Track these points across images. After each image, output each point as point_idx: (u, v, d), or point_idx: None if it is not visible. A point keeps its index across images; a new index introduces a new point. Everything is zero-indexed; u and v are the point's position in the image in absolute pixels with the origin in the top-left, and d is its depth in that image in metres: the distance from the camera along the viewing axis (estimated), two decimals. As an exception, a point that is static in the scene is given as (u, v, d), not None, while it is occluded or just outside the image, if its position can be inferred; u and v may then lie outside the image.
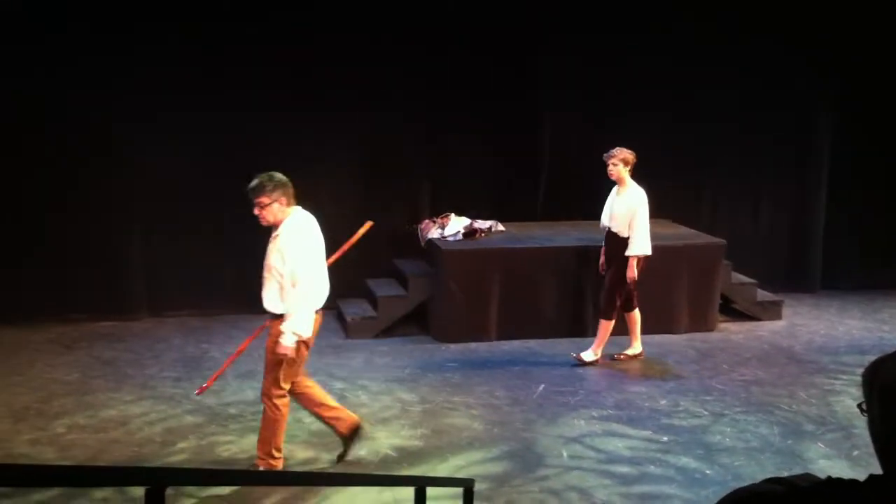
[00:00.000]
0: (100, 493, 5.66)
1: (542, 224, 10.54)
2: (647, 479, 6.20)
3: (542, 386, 7.97)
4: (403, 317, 9.53)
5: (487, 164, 10.56)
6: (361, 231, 7.18)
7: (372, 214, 10.22)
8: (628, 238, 8.26)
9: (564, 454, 6.56)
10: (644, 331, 8.88)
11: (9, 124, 9.08)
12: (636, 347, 8.74)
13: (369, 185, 10.27)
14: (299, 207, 5.97)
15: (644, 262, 8.34)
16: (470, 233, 9.66)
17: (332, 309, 9.87)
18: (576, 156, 10.66)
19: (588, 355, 8.49)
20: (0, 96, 9.01)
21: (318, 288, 5.95)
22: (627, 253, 8.25)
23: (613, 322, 8.46)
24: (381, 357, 8.71)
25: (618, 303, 8.42)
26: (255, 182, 5.85)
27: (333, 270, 9.82)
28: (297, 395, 6.14)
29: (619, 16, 10.53)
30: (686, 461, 6.48)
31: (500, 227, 10.01)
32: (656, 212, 10.82)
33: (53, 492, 5.62)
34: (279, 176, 5.89)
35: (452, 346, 9.04)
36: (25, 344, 8.80)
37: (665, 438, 6.88)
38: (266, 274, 5.88)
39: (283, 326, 5.71)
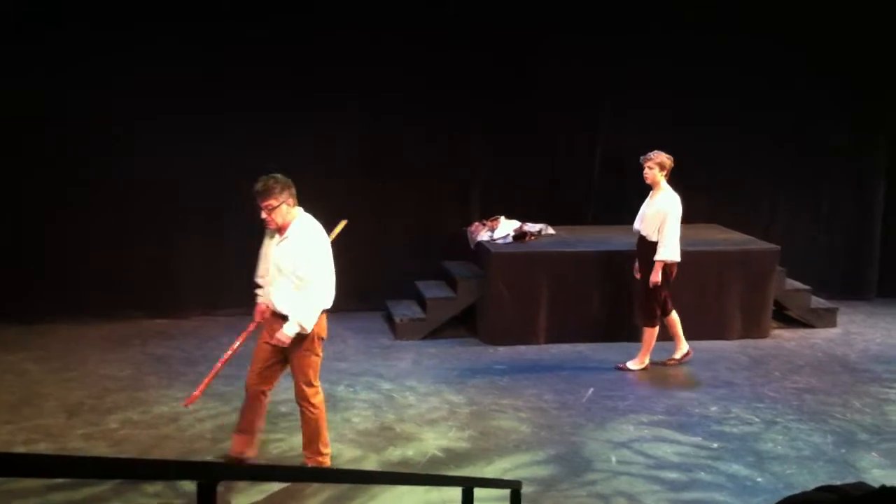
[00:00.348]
0: (151, 487, 5.74)
1: (593, 227, 10.48)
2: (697, 486, 6.13)
3: (591, 390, 7.92)
4: (452, 319, 9.53)
5: (538, 167, 10.53)
6: (337, 230, 7.04)
7: (422, 216, 10.36)
8: (656, 242, 8.18)
9: (613, 459, 6.51)
10: (696, 336, 8.81)
11: (99, 121, 9.22)
12: (682, 349, 8.65)
13: (419, 188, 10.30)
14: (300, 208, 5.94)
15: (673, 267, 8.24)
16: (520, 235, 9.64)
17: (380, 310, 9.95)
18: (627, 159, 10.59)
19: (634, 364, 8.43)
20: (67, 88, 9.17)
21: (331, 288, 6.00)
22: (655, 257, 8.16)
23: (657, 328, 8.39)
24: (429, 359, 8.73)
25: (657, 309, 8.33)
26: (260, 185, 5.81)
27: (381, 272, 10.00)
28: (256, 392, 6.08)
29: (683, 20, 10.46)
30: (737, 468, 6.40)
31: (550, 231, 9.97)
32: (710, 217, 10.82)
33: (106, 486, 5.71)
34: (282, 177, 5.86)
35: (501, 349, 9.03)
36: (79, 340, 8.96)
37: (715, 445, 6.80)
38: (278, 277, 5.91)
39: (291, 317, 5.76)
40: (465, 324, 9.56)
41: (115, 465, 2.48)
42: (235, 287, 9.91)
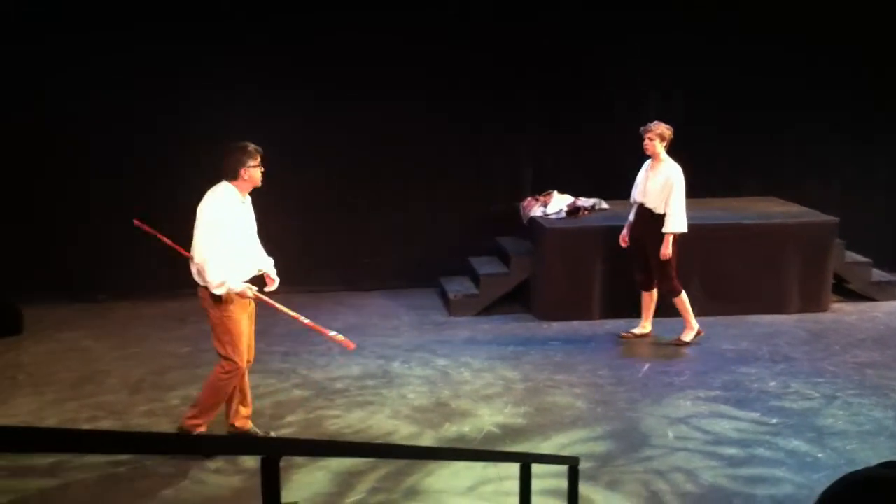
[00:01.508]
0: (213, 463, 5.84)
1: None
2: (756, 462, 6.07)
3: (647, 365, 7.87)
4: (505, 295, 9.52)
5: (591, 141, 10.44)
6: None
7: (475, 192, 10.34)
8: (663, 215, 8.07)
9: (670, 434, 6.47)
10: (753, 311, 8.73)
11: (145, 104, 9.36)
12: (646, 327, 8.59)
13: (472, 164, 10.29)
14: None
15: (678, 238, 8.14)
16: (573, 210, 9.58)
17: (434, 287, 9.97)
18: (682, 132, 10.48)
19: (686, 335, 8.36)
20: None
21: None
22: (664, 230, 8.05)
23: (684, 294, 8.30)
24: (483, 335, 8.73)
25: (676, 277, 8.21)
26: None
27: (434, 249, 10.02)
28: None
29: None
30: (796, 444, 6.32)
31: (604, 205, 9.88)
32: (766, 190, 10.66)
33: (169, 462, 5.81)
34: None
35: (555, 325, 9.00)
36: (139, 318, 9.12)
37: (774, 421, 6.72)
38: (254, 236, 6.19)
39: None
40: (519, 300, 9.54)
41: (179, 441, 2.52)
42: (288, 264, 10.01)
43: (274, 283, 6.27)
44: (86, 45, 9.18)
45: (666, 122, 8.18)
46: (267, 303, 6.13)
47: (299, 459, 5.77)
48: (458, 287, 9.65)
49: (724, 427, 6.61)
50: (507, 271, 9.58)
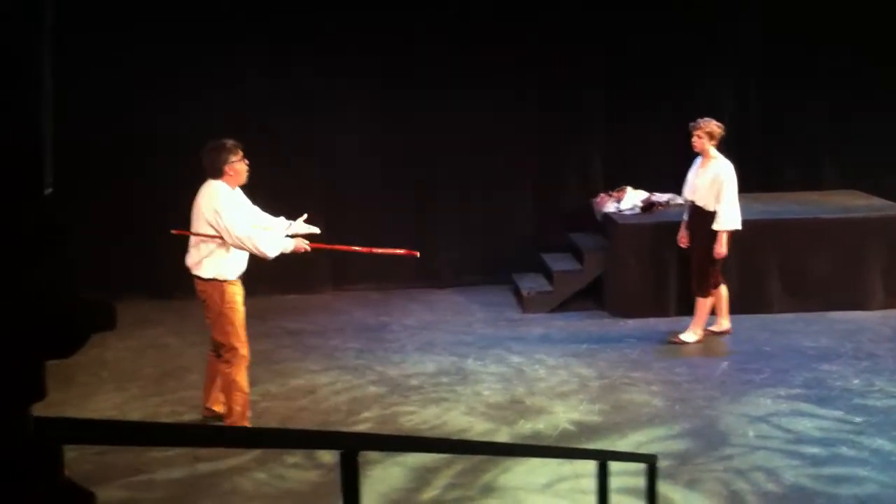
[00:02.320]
0: (291, 458, 5.91)
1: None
2: (839, 461, 5.93)
3: (725, 363, 7.75)
4: (579, 291, 9.45)
5: (664, 135, 10.31)
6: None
7: (547, 188, 10.30)
8: (714, 212, 7.90)
9: (750, 433, 6.35)
10: (835, 307, 8.55)
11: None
12: (723, 324, 8.39)
13: (544, 160, 10.25)
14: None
15: (731, 236, 7.96)
16: (648, 206, 9.47)
17: (507, 284, 9.95)
18: (759, 127, 10.32)
19: (688, 336, 8.18)
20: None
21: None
22: (715, 227, 7.89)
23: (712, 299, 8.15)
24: (557, 332, 8.68)
25: (713, 279, 8.08)
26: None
27: (507, 245, 10.00)
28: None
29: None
30: (881, 443, 6.15)
31: (679, 200, 9.71)
32: (848, 183, 10.39)
33: (248, 456, 5.91)
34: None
35: (630, 322, 8.90)
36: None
37: (858, 419, 6.55)
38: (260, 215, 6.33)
39: None
40: (593, 296, 9.47)
41: (261, 435, 2.55)
42: (363, 262, 10.10)
43: (315, 228, 6.42)
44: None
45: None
46: (327, 247, 6.48)
47: (375, 455, 5.80)
48: (532, 284, 9.61)
49: (805, 425, 6.47)
50: (581, 268, 9.51)
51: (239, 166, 6.10)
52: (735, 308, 8.83)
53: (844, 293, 8.97)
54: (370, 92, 9.79)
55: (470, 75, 9.89)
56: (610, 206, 9.56)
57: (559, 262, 9.71)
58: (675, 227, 9.03)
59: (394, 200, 10.00)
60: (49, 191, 0.96)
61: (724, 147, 8.24)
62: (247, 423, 6.20)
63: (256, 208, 6.38)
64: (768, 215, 9.18)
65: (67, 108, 7.10)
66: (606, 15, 10.01)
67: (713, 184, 7.94)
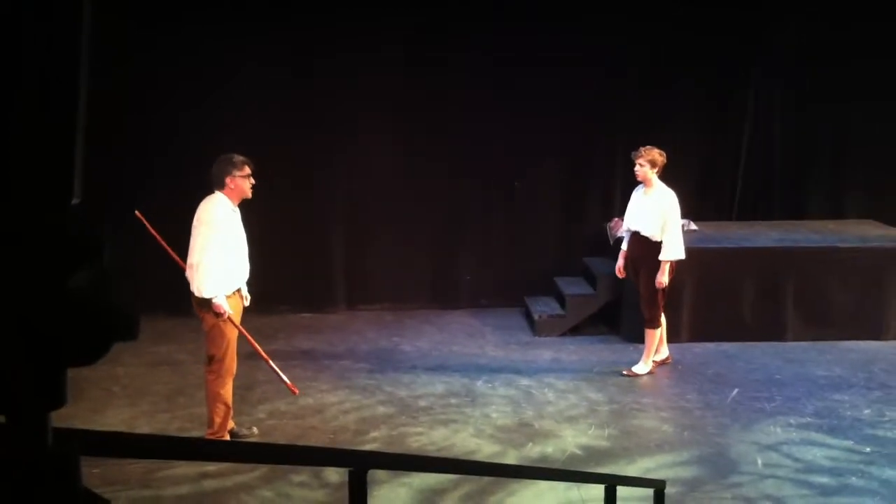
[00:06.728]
0: (297, 476, 5.92)
1: (739, 223, 10.22)
2: (848, 491, 5.89)
3: (737, 390, 7.72)
4: (592, 316, 9.45)
5: (681, 162, 10.31)
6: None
7: (561, 212, 10.32)
8: (660, 242, 7.84)
9: (759, 461, 6.32)
10: (848, 336, 8.53)
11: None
12: (662, 353, 8.30)
13: (559, 184, 10.28)
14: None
15: (674, 266, 7.91)
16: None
17: (519, 307, 9.96)
18: (776, 153, 10.33)
19: (640, 367, 8.11)
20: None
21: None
22: (661, 257, 7.81)
23: (660, 329, 8.10)
24: (568, 355, 8.68)
25: (661, 310, 8.02)
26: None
27: (520, 268, 10.01)
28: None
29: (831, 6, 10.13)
30: (891, 474, 6.12)
31: (693, 227, 9.74)
32: (864, 213, 10.38)
33: (255, 473, 5.92)
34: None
35: (642, 347, 8.87)
36: (230, 333, 9.28)
37: (868, 449, 6.52)
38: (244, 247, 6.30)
39: None
40: (606, 321, 9.46)
41: (270, 451, 2.57)
42: (378, 283, 10.14)
43: (246, 301, 6.42)
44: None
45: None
46: (240, 330, 6.33)
47: (382, 475, 5.80)
48: (544, 307, 9.62)
49: (815, 455, 6.44)
50: (594, 292, 9.51)
51: (241, 181, 6.12)
52: (749, 336, 8.85)
53: (859, 323, 8.95)
54: (393, 115, 9.86)
55: (495, 98, 9.93)
56: (623, 231, 9.54)
57: (572, 286, 9.72)
58: (690, 252, 9.05)
59: (414, 217, 10.02)
60: (76, 200, 0.98)
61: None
62: (225, 437, 6.25)
63: (244, 236, 6.31)
64: (784, 242, 9.17)
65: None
66: (635, 46, 10.05)
67: (658, 214, 7.86)
